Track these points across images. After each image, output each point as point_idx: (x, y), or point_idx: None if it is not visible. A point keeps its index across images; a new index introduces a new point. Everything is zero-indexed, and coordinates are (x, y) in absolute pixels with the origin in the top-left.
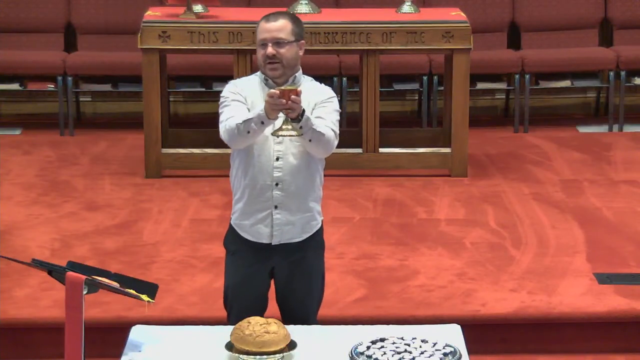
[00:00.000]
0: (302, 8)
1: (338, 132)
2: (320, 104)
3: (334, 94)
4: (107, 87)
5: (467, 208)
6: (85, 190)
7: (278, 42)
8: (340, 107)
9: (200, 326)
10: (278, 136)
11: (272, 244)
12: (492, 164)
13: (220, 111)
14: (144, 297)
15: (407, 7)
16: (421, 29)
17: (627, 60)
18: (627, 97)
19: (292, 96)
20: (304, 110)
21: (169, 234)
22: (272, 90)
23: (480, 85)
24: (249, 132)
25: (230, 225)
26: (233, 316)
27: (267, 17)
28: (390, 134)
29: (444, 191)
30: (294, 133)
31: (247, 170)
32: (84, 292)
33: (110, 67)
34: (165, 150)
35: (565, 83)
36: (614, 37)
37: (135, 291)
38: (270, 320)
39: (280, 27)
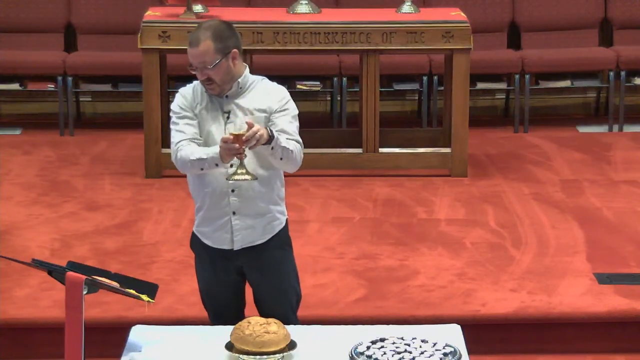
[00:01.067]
0: (302, 8)
1: (301, 140)
2: (279, 111)
3: (289, 97)
4: (107, 87)
5: (467, 208)
6: (85, 190)
7: (204, 67)
8: (340, 107)
9: (200, 326)
10: (233, 181)
11: (234, 249)
12: (492, 164)
13: (170, 127)
14: (144, 297)
15: (407, 7)
16: (421, 29)
17: (627, 60)
18: (627, 97)
19: (251, 134)
20: (271, 131)
21: (169, 234)
22: (226, 136)
23: (480, 85)
24: (202, 169)
25: (193, 233)
26: (211, 316)
27: (190, 41)
28: (390, 134)
29: (444, 191)
30: (248, 177)
31: (204, 177)
32: (84, 292)
33: (110, 67)
34: (165, 150)
35: (565, 83)
36: (614, 37)
37: (135, 291)
38: (270, 320)
39: (202, 52)
